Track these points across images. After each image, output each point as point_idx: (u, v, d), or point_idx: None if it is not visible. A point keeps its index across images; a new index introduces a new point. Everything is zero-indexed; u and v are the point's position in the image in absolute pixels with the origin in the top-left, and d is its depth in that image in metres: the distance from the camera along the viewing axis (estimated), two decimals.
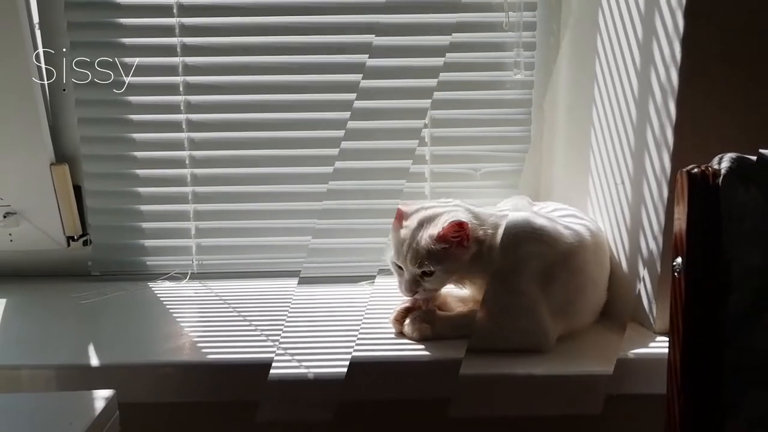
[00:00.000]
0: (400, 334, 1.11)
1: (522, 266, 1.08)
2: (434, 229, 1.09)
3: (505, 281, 1.08)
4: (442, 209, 1.13)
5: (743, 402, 0.79)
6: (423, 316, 1.10)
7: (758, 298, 0.79)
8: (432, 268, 1.08)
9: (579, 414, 1.04)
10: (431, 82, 1.32)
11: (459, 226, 1.08)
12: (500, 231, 1.11)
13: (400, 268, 1.12)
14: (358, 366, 1.02)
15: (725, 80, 1.02)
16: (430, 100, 1.33)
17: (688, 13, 0.98)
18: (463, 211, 1.13)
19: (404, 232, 1.11)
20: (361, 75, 1.33)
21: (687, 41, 0.99)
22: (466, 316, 1.11)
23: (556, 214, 1.17)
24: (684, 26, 0.99)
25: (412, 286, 1.11)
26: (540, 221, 1.12)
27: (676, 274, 0.83)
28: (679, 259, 0.82)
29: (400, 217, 1.14)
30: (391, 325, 1.13)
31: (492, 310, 1.07)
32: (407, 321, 1.11)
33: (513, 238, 1.09)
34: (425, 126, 1.36)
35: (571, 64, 1.33)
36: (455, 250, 1.08)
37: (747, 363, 0.79)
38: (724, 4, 1.00)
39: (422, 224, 1.11)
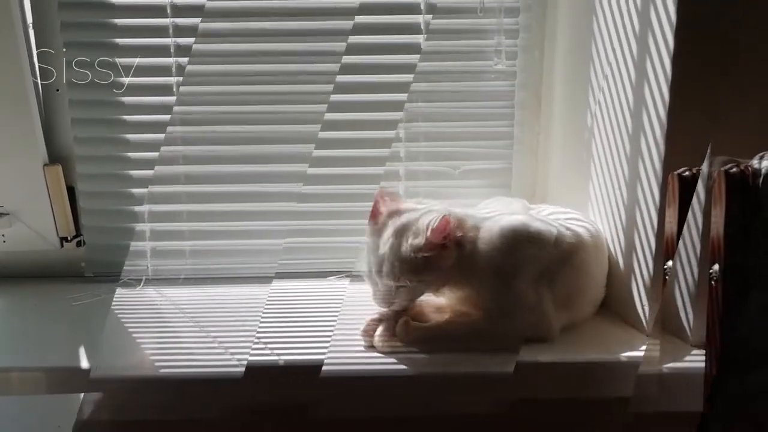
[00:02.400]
0: (371, 347, 1.07)
1: (520, 269, 1.08)
2: (415, 239, 1.04)
3: (506, 282, 1.07)
4: (418, 214, 1.08)
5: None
6: (395, 328, 1.07)
7: None
8: (408, 283, 1.05)
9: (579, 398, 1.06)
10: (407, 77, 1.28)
11: (445, 222, 1.03)
12: (482, 233, 1.08)
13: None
14: (328, 380, 1.01)
15: (713, 90, 1.02)
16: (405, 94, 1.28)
17: (679, 28, 0.99)
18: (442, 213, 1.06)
19: (379, 243, 1.07)
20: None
21: (677, 55, 1.00)
22: (441, 327, 1.08)
23: (553, 217, 1.17)
24: (674, 41, 1.00)
25: (387, 297, 1.08)
26: (536, 225, 1.11)
27: (713, 282, 0.79)
28: (716, 266, 0.78)
29: (376, 214, 1.11)
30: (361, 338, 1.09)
31: (493, 312, 1.07)
32: (377, 332, 1.07)
33: (511, 242, 1.08)
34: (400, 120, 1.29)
35: (565, 63, 1.31)
36: (437, 257, 1.04)
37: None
38: (713, 19, 1.00)
39: (399, 234, 1.06)
